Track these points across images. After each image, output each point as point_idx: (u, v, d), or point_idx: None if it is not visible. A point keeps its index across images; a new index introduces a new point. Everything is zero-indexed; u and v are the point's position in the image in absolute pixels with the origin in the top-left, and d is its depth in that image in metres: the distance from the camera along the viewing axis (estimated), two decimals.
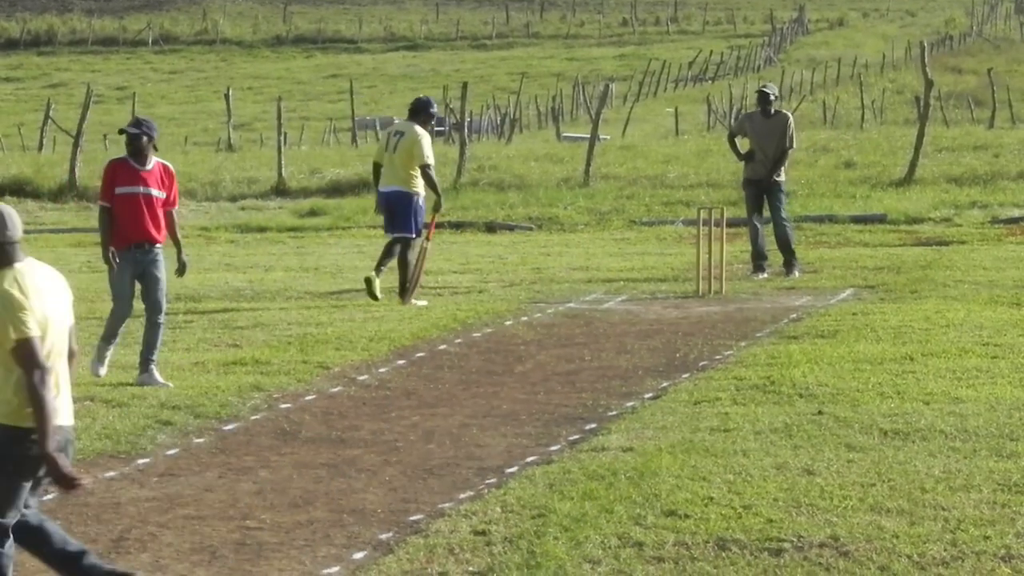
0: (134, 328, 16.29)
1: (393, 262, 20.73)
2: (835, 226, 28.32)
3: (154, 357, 15.14)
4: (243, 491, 11.62)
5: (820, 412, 13.40)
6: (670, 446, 12.40)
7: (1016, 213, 29.07)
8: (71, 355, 8.85)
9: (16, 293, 8.36)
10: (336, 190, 35.59)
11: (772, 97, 23.32)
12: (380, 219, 24.20)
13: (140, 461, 12.48)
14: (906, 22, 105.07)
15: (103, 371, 15.35)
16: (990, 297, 19.73)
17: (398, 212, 20.92)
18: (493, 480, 11.65)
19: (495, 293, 21.38)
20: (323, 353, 16.90)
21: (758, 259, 22.51)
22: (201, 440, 13.19)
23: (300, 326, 18.58)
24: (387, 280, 20.86)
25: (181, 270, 15.44)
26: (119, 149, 49.86)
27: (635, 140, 49.13)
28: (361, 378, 15.71)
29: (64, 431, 8.53)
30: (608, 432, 13.02)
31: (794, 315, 18.92)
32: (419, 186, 20.68)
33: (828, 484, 11.25)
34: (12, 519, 8.39)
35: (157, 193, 14.94)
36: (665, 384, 14.96)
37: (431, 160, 20.70)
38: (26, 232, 25.96)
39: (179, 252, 15.33)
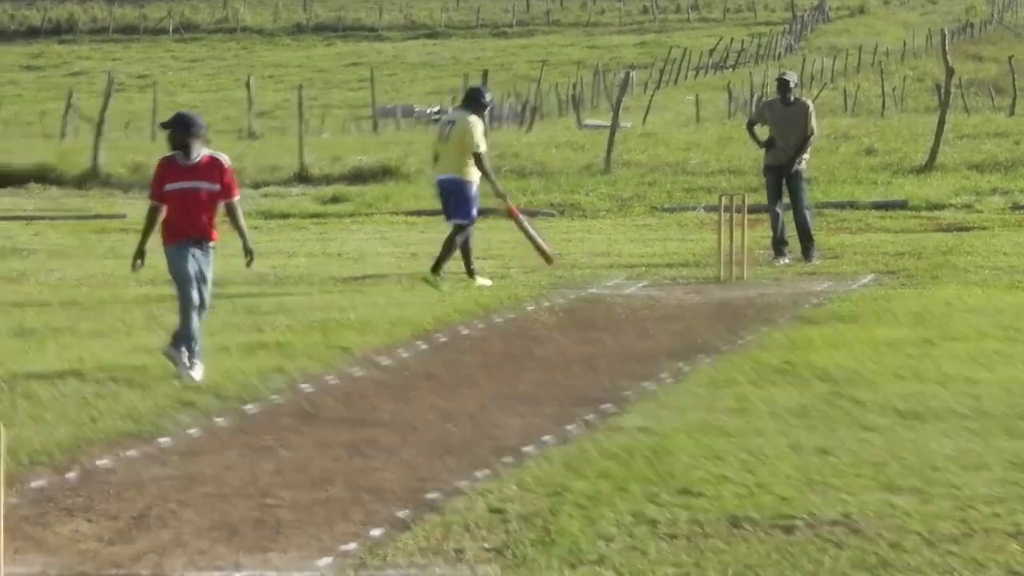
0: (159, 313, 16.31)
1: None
2: (856, 212, 28.33)
3: (186, 349, 14.86)
4: (263, 470, 11.67)
5: (837, 393, 13.45)
6: (686, 427, 12.46)
7: None
8: None
9: None
10: (358, 177, 35.61)
11: (792, 85, 23.33)
12: (403, 205, 24.26)
13: (162, 441, 12.52)
14: (927, 10, 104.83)
15: (197, 375, 14.81)
16: (1010, 282, 19.77)
17: (454, 199, 21.16)
18: (510, 459, 11.68)
19: (517, 279, 21.44)
20: (345, 337, 16.93)
21: (779, 245, 22.54)
22: (223, 421, 13.23)
23: (323, 311, 18.64)
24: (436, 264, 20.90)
25: (249, 260, 15.22)
26: (141, 137, 49.73)
27: (656, 128, 49.09)
28: (383, 361, 15.73)
29: None
30: (625, 413, 13.08)
31: (815, 300, 18.95)
32: (473, 174, 20.83)
33: (841, 463, 11.31)
34: None
35: (207, 186, 14.75)
36: (684, 367, 14.99)
37: (483, 148, 20.91)
38: (49, 218, 26.04)
39: (244, 241, 15.10)
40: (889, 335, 16.15)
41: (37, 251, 25.17)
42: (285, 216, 30.95)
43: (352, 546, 9.81)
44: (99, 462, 11.90)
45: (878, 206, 28.93)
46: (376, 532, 10.08)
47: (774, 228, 22.57)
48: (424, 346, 16.58)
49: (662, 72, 73.33)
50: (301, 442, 12.51)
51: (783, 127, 22.56)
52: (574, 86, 65.18)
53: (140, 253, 14.96)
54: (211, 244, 14.89)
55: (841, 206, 28.77)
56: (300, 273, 22.48)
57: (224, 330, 17.47)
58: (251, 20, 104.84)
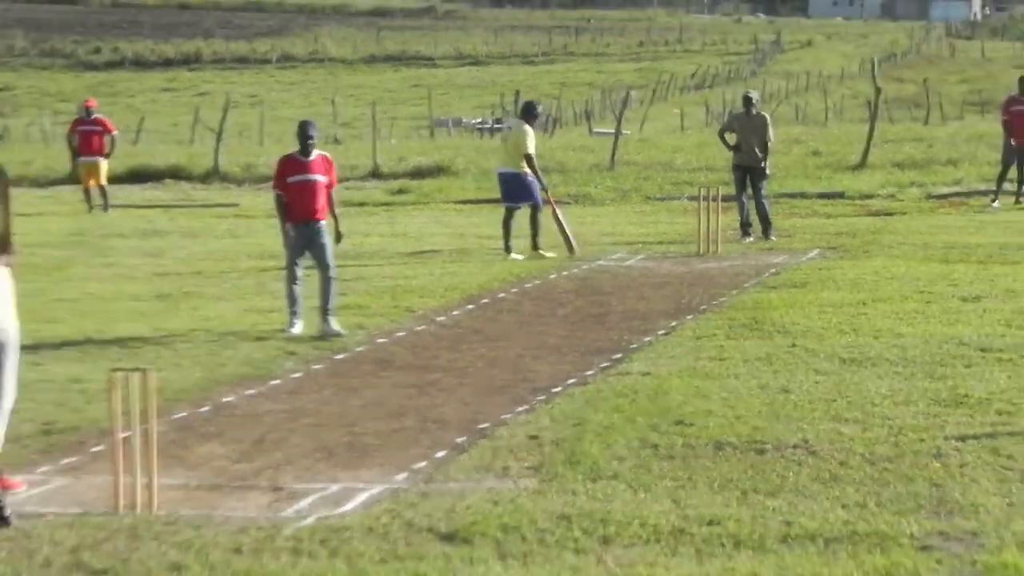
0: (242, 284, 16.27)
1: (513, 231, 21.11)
2: (805, 201, 28.18)
3: (330, 307, 14.82)
4: (351, 405, 11.71)
5: (794, 345, 13.44)
6: (678, 371, 12.45)
7: (945, 190, 28.89)
8: None
9: None
10: (418, 173, 35.52)
11: (754, 101, 23.39)
12: (453, 196, 24.24)
13: (272, 382, 12.58)
14: (860, 43, 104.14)
15: (295, 330, 14.67)
16: (925, 255, 19.68)
17: (513, 187, 21.11)
18: (542, 397, 11.69)
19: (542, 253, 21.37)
20: (410, 300, 16.93)
21: (744, 227, 22.46)
22: (319, 366, 13.27)
23: (391, 279, 18.59)
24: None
25: (338, 239, 15.20)
26: (251, 143, 49.50)
27: (649, 135, 48.92)
28: (439, 319, 15.75)
29: None
30: (630, 360, 13.06)
31: (773, 270, 18.87)
32: (526, 168, 20.83)
33: (799, 400, 11.31)
34: None
35: (320, 178, 14.80)
36: (674, 323, 14.94)
37: (531, 151, 20.88)
38: (180, 206, 25.81)
39: (337, 224, 15.12)
40: (832, 298, 16.11)
41: (171, 232, 25.19)
42: (361, 204, 30.77)
43: (422, 464, 9.85)
44: (225, 399, 11.97)
45: (822, 196, 28.77)
46: (440, 454, 10.11)
47: (741, 213, 22.51)
48: (471, 307, 16.57)
49: (654, 91, 72.97)
50: (380, 383, 12.54)
51: (747, 134, 22.52)
52: (586, 102, 64.88)
53: (285, 231, 14.91)
54: (322, 223, 14.85)
55: (793, 196, 28.60)
56: (373, 249, 22.39)
57: (317, 295, 17.49)
58: (335, 52, 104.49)
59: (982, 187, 27.95)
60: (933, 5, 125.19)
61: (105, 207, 27.99)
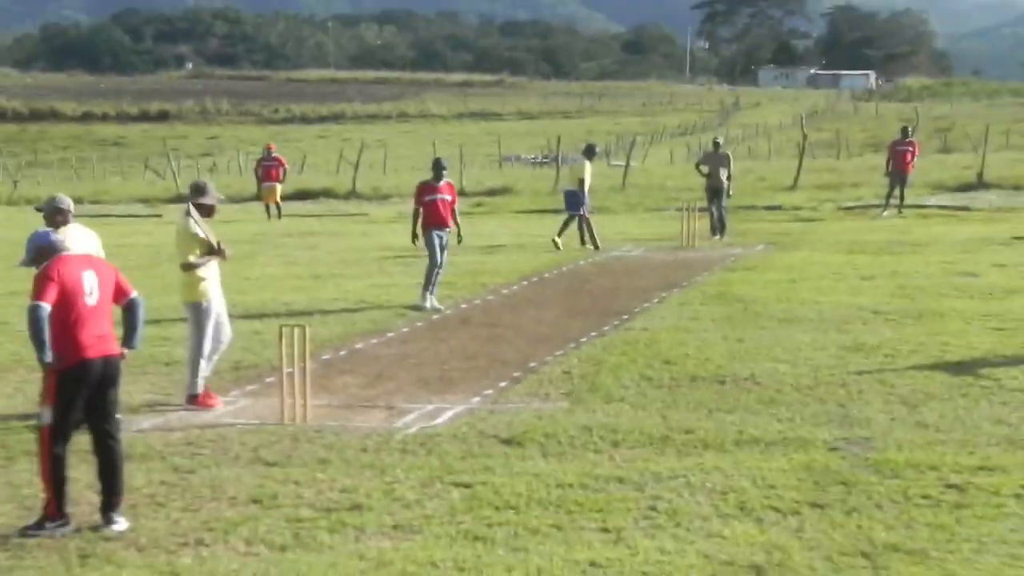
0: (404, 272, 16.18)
1: (572, 227, 20.86)
2: (755, 211, 27.81)
3: (432, 291, 14.24)
4: (441, 350, 11.65)
5: (746, 309, 13.32)
6: (666, 327, 12.34)
7: (851, 204, 28.46)
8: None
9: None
10: (490, 192, 35.33)
11: (719, 143, 23.23)
12: (514, 208, 24.08)
13: (388, 334, 12.51)
14: (793, 104, 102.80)
15: (428, 304, 14.08)
16: (836, 248, 19.42)
17: (570, 201, 20.98)
18: (573, 345, 11.60)
19: (573, 247, 21.24)
20: (483, 278, 16.80)
21: (712, 230, 22.24)
22: (420, 324, 13.18)
23: (471, 264, 18.41)
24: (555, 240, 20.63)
25: (459, 239, 14.87)
26: (377, 173, 49.29)
27: (649, 166, 48.53)
28: (503, 291, 15.65)
29: None
30: (634, 320, 12.94)
31: (732, 258, 18.68)
32: (583, 188, 20.74)
33: (749, 347, 11.20)
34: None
35: (447, 197, 14.41)
36: (664, 295, 14.78)
37: (586, 178, 20.73)
38: (329, 215, 25.44)
39: (459, 230, 14.71)
40: (773, 277, 15.93)
41: (322, 233, 25.17)
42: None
43: (490, 391, 9.83)
44: (356, 346, 11.93)
45: (766, 208, 28.38)
46: (503, 384, 10.08)
47: (710, 220, 22.27)
48: (525, 283, 16.44)
49: (652, 137, 72.28)
50: (462, 335, 12.47)
51: (715, 166, 22.29)
52: (606, 144, 64.44)
53: (414, 236, 14.49)
54: (447, 230, 14.48)
55: (746, 208, 28.16)
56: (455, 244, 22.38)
57: (417, 276, 17.39)
58: (435, 110, 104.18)
59: (875, 202, 27.56)
60: (843, 79, 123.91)
61: (279, 216, 28.06)
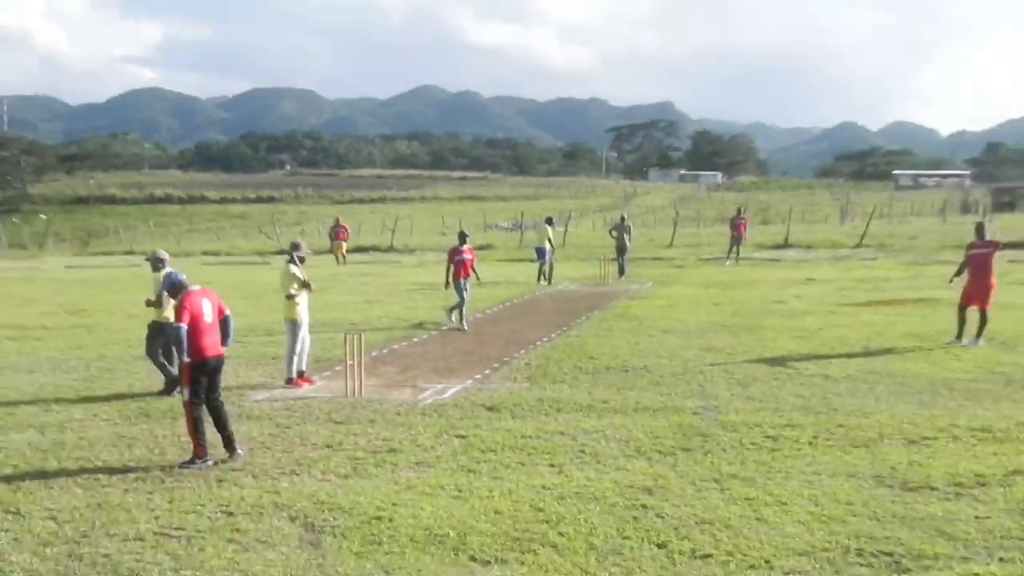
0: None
1: (535, 268, 19.97)
2: (644, 261, 27.90)
3: (464, 317, 13.00)
4: (447, 349, 11.49)
5: (641, 324, 13.31)
6: (591, 335, 12.25)
7: (707, 256, 28.60)
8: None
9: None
10: (479, 247, 34.82)
11: (624, 217, 23.33)
12: (497, 257, 23.55)
13: (415, 339, 12.32)
14: (669, 193, 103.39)
15: (465, 326, 12.93)
16: (696, 284, 19.49)
17: (540, 252, 19.13)
18: (532, 346, 11.52)
19: (532, 283, 21.09)
20: (475, 304, 16.54)
21: (620, 272, 22.22)
22: (434, 332, 12.91)
23: (487, 291, 18.38)
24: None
25: (479, 281, 14.23)
26: (406, 233, 48.57)
27: (580, 231, 48.57)
28: (488, 312, 15.40)
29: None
30: (570, 330, 12.85)
31: (632, 291, 18.61)
32: (549, 245, 19.77)
33: (645, 347, 11.16)
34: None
35: (469, 257, 13.39)
36: (589, 315, 14.73)
37: (551, 238, 19.80)
38: (375, 263, 24.47)
39: (476, 276, 13.95)
40: (657, 303, 15.90)
41: (371, 275, 24.75)
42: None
43: (477, 376, 9.76)
44: (393, 347, 11.78)
45: (654, 259, 28.47)
46: (487, 372, 10.00)
47: (618, 267, 22.26)
48: (502, 306, 16.22)
49: (582, 212, 72.28)
50: (460, 340, 12.33)
51: (620, 232, 22.36)
52: (556, 216, 64.59)
53: (447, 283, 13.29)
54: (469, 279, 13.39)
55: (640, 260, 28.29)
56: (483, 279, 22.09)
57: (442, 301, 17.19)
58: (443, 194, 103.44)
59: (720, 255, 27.69)
60: (701, 177, 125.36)
61: (344, 263, 27.82)
